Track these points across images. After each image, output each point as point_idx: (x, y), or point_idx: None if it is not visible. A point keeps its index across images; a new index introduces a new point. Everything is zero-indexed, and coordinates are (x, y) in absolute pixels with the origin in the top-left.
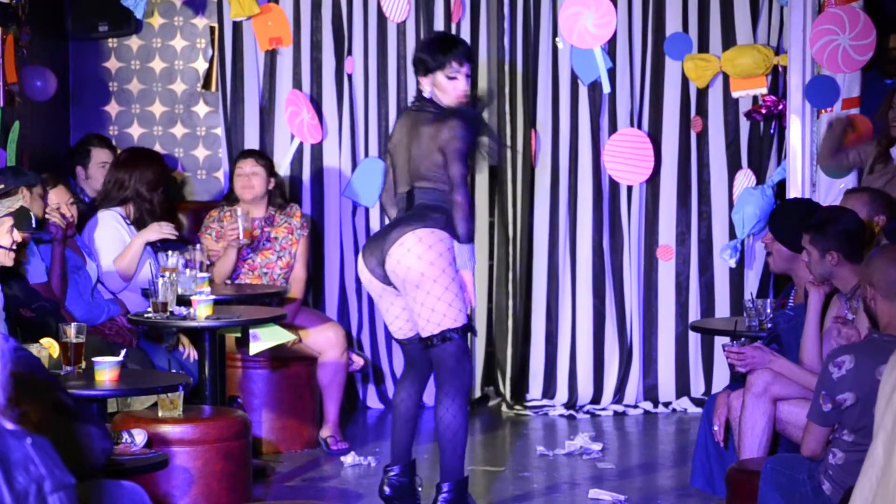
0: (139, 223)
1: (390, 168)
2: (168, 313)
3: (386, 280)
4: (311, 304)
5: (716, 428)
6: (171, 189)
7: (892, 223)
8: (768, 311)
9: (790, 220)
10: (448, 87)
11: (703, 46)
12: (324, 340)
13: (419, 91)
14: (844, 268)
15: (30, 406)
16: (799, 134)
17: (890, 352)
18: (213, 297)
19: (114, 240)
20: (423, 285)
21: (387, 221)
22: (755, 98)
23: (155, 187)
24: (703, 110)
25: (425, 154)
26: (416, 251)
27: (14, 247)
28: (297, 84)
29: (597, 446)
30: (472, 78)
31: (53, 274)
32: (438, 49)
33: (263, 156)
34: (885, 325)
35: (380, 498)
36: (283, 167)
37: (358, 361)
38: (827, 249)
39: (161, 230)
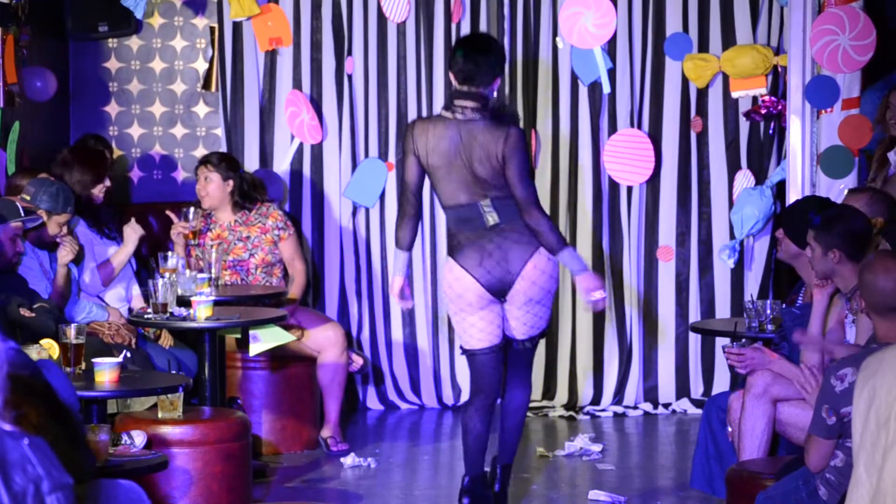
0: (94, 225)
1: (412, 182)
2: (168, 314)
3: (492, 292)
4: (310, 304)
5: (730, 429)
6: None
7: (891, 224)
8: (768, 312)
9: (802, 218)
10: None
11: (703, 46)
12: (323, 340)
13: (463, 93)
14: (846, 267)
15: (30, 408)
16: (799, 134)
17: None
18: (212, 297)
19: (85, 246)
20: (541, 297)
21: (388, 224)
22: (755, 98)
23: (87, 187)
24: (702, 110)
25: (485, 161)
26: (549, 270)
27: (18, 259)
28: (297, 84)
29: (597, 447)
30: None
31: (55, 292)
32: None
33: (223, 159)
34: (880, 336)
35: None
36: (283, 167)
37: (358, 361)
38: (830, 247)
39: (135, 235)
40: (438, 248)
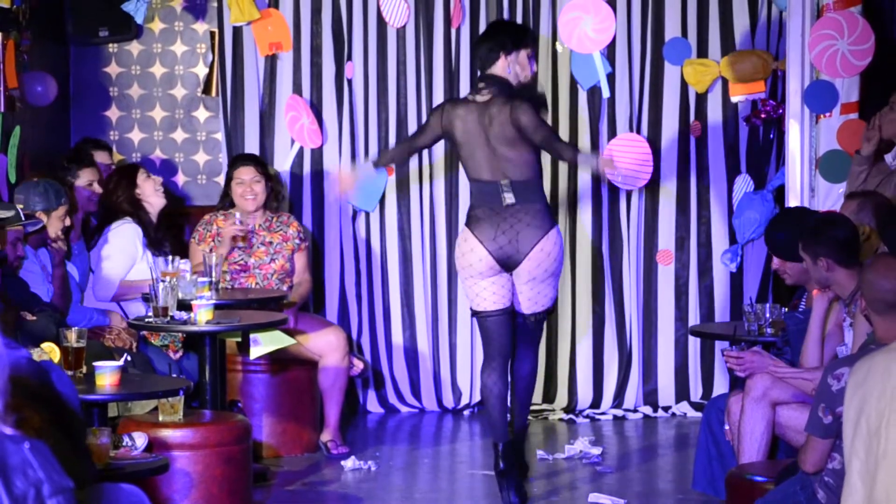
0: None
1: (420, 144)
2: (169, 318)
3: (500, 264)
4: (311, 308)
5: (727, 427)
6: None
7: (891, 228)
8: (767, 315)
9: (787, 234)
10: (527, 65)
11: (703, 51)
12: (324, 344)
13: (481, 77)
14: (839, 273)
15: (32, 412)
16: (798, 139)
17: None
18: (213, 301)
19: (124, 253)
20: (544, 278)
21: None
22: (754, 103)
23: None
24: (702, 115)
25: (501, 136)
26: (554, 254)
27: (19, 263)
28: (297, 89)
29: (596, 450)
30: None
31: (56, 294)
32: (526, 30)
33: (261, 161)
34: (879, 337)
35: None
36: (283, 172)
37: (358, 366)
38: (818, 256)
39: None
40: (438, 252)
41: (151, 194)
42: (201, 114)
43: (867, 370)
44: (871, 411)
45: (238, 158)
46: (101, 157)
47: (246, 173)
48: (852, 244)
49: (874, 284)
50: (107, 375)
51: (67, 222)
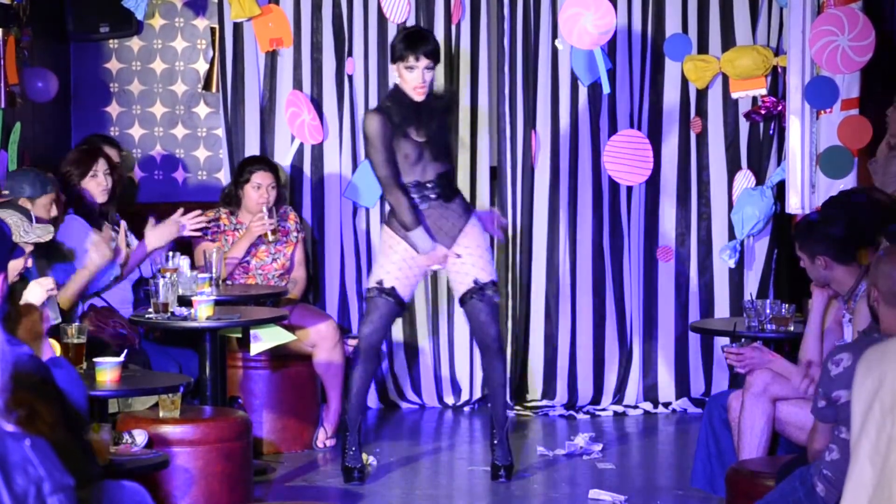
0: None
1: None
2: (169, 314)
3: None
4: (311, 301)
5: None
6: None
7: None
8: (768, 311)
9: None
10: (406, 76)
11: (703, 47)
12: (314, 334)
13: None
14: (837, 271)
15: (44, 407)
16: (798, 135)
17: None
18: (213, 297)
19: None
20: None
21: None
22: (755, 99)
23: (73, 181)
24: (702, 111)
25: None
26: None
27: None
28: (297, 85)
29: (597, 447)
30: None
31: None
32: (401, 41)
33: (273, 166)
34: (885, 328)
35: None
36: (283, 168)
37: (353, 343)
38: (815, 255)
39: (99, 256)
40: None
41: (97, 194)
42: (202, 110)
43: (881, 353)
44: (886, 392)
45: (254, 161)
46: (110, 153)
47: (264, 178)
48: (848, 241)
49: (890, 276)
50: (107, 371)
51: (53, 212)
